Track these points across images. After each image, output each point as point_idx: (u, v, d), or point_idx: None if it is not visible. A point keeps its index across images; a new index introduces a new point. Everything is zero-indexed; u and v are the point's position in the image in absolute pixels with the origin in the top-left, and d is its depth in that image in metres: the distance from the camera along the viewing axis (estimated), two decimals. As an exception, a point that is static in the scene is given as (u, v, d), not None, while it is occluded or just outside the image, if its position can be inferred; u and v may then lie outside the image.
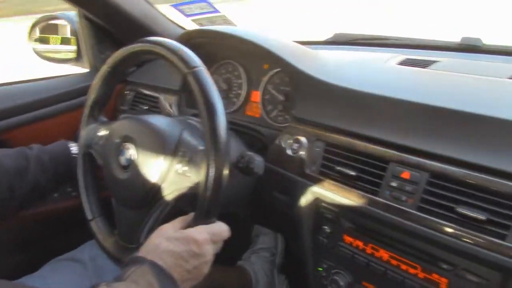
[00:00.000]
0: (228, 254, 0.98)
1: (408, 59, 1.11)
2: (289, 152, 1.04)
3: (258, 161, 0.99)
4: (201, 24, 1.47)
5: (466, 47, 1.17)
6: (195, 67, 0.84)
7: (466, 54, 1.15)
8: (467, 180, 0.78)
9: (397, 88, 0.95)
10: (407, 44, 1.30)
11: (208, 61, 1.34)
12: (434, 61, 1.07)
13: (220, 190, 0.81)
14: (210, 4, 1.38)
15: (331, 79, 1.01)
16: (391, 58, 1.12)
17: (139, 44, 0.96)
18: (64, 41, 1.68)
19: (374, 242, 0.92)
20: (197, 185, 0.86)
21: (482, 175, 0.77)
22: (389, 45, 1.33)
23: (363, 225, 0.92)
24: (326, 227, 0.98)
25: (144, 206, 0.93)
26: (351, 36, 1.42)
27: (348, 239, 0.95)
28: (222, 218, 0.86)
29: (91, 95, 1.05)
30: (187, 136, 0.94)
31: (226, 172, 0.81)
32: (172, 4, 1.40)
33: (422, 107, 0.87)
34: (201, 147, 0.88)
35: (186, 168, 0.89)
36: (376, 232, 0.90)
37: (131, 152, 0.96)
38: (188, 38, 1.27)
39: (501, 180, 0.75)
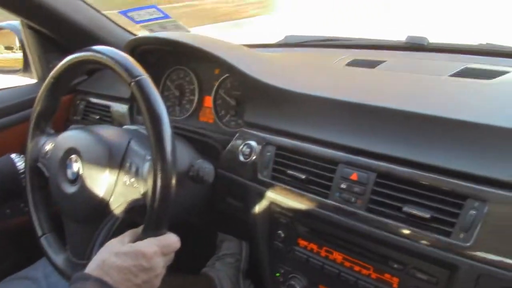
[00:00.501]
0: (193, 262, 0.97)
1: (356, 59, 1.12)
2: (241, 157, 1.04)
3: (208, 169, 0.98)
4: (151, 30, 1.45)
5: (412, 46, 1.19)
6: (138, 76, 0.83)
7: (412, 53, 1.18)
8: (413, 179, 0.79)
9: (344, 90, 0.96)
10: (356, 44, 1.32)
11: (159, 67, 1.32)
12: (381, 61, 1.08)
13: (168, 201, 0.79)
14: (159, 10, 1.36)
15: (279, 83, 1.01)
16: (340, 60, 1.13)
17: (82, 54, 0.93)
18: (11, 50, 1.62)
19: (328, 244, 0.92)
20: (145, 196, 0.85)
21: (427, 174, 0.78)
22: (338, 46, 1.34)
23: (316, 228, 0.93)
24: (280, 231, 0.98)
25: (93, 220, 0.90)
26: (302, 38, 1.42)
27: (302, 243, 0.95)
28: (181, 227, 0.85)
29: (37, 107, 1.02)
30: (135, 146, 0.92)
31: (173, 182, 0.79)
32: (119, 11, 1.37)
33: (368, 108, 0.88)
34: (148, 157, 0.87)
35: (133, 179, 0.88)
36: (329, 234, 0.91)
37: (78, 165, 0.93)
38: (136, 45, 1.25)
39: (444, 178, 0.76)
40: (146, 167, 0.87)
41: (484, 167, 0.74)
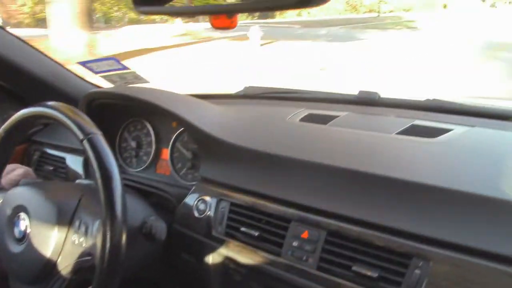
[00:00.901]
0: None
1: (311, 114, 1.15)
2: (195, 213, 1.03)
3: (160, 227, 0.97)
4: (112, 80, 1.45)
5: (364, 100, 1.23)
6: (90, 133, 0.83)
7: (364, 107, 1.22)
8: (361, 238, 0.81)
9: (296, 147, 0.98)
10: (312, 98, 1.35)
11: (116, 119, 1.32)
12: (334, 116, 1.11)
13: (118, 262, 0.78)
14: (118, 62, 1.36)
15: (233, 139, 1.02)
16: (294, 114, 1.16)
17: (35, 109, 0.93)
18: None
19: None
20: (94, 256, 0.83)
21: (374, 233, 0.80)
22: (295, 98, 1.38)
23: (270, 286, 0.92)
24: None
25: (40, 281, 0.88)
26: (261, 90, 1.45)
27: None
28: (133, 282, 0.83)
29: None
30: (86, 203, 0.91)
31: (123, 242, 0.79)
32: (79, 61, 1.37)
33: (318, 166, 0.90)
34: (98, 215, 0.85)
35: (82, 238, 0.86)
36: None
37: (25, 223, 0.91)
38: (92, 99, 1.25)
39: (390, 237, 0.78)
40: (96, 225, 0.86)
41: (427, 227, 0.76)
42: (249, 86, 1.51)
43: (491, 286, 0.69)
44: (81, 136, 0.83)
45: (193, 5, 0.58)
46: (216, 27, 0.53)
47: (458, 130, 0.97)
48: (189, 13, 0.62)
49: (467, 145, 0.92)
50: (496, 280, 0.69)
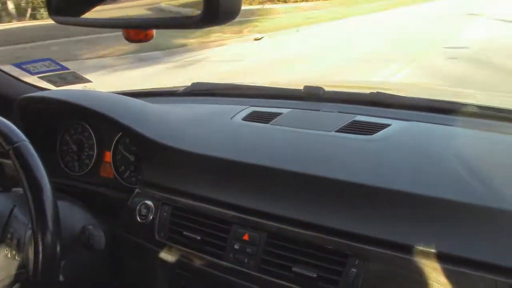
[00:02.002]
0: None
1: (254, 112, 1.14)
2: (138, 217, 1.01)
3: (98, 237, 0.95)
4: (51, 81, 1.39)
5: (308, 95, 1.24)
6: (16, 142, 0.80)
7: (308, 103, 1.22)
8: (301, 239, 0.81)
9: (238, 149, 0.97)
10: (258, 94, 1.35)
11: (56, 122, 1.27)
12: (277, 114, 1.11)
13: (51, 274, 0.76)
14: (55, 62, 1.31)
15: (174, 142, 1.00)
16: (238, 113, 1.15)
17: None
18: None
19: None
20: (27, 269, 0.80)
21: (314, 233, 0.80)
22: (242, 95, 1.36)
23: None
24: None
25: None
26: (208, 86, 1.43)
27: None
28: None
29: None
30: (19, 214, 0.88)
31: (56, 253, 0.77)
32: (13, 63, 1.31)
33: (258, 168, 0.90)
34: (30, 227, 0.83)
35: (14, 251, 0.84)
36: None
37: None
38: (27, 104, 1.20)
39: (328, 237, 0.79)
40: (28, 238, 0.83)
41: (362, 225, 0.77)
42: (196, 83, 1.48)
43: (423, 282, 0.71)
44: (7, 146, 0.80)
45: (107, 18, 0.57)
46: (130, 39, 0.51)
47: (396, 125, 0.99)
48: (103, 26, 0.61)
49: (404, 142, 0.93)
50: (427, 276, 0.71)
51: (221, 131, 1.08)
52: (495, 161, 0.84)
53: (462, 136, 0.96)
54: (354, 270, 0.75)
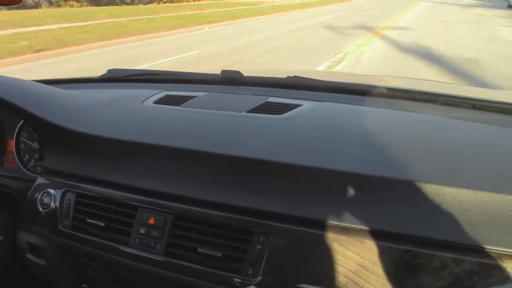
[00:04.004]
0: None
1: (167, 95, 1.11)
2: (40, 207, 0.95)
3: None
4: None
5: (226, 80, 1.22)
6: None
7: (225, 87, 1.20)
8: (207, 219, 0.80)
9: (146, 131, 0.93)
10: (174, 79, 1.31)
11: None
12: (190, 97, 1.08)
13: None
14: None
15: (77, 126, 0.95)
16: (151, 96, 1.11)
17: None
18: None
19: None
20: None
21: (220, 213, 0.79)
22: (159, 80, 1.32)
23: (122, 277, 0.88)
24: (85, 285, 0.91)
25: None
26: (124, 72, 1.38)
27: None
28: None
29: None
30: None
31: None
32: None
33: (164, 149, 0.87)
34: None
35: None
36: (136, 283, 0.87)
37: None
38: None
39: (234, 216, 0.78)
40: None
41: (268, 202, 0.77)
42: (113, 69, 1.42)
43: (326, 255, 0.72)
44: None
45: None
46: None
47: (307, 105, 1.00)
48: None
49: (312, 120, 0.94)
50: (330, 248, 0.71)
51: (130, 114, 1.03)
52: (399, 135, 0.87)
53: (370, 114, 0.99)
54: (259, 247, 0.75)
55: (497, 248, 0.65)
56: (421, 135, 0.86)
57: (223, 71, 1.25)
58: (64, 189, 0.93)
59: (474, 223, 0.65)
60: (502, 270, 0.65)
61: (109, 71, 1.42)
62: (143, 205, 0.85)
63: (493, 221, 0.65)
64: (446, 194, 0.67)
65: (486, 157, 0.75)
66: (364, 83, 1.33)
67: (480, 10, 20.29)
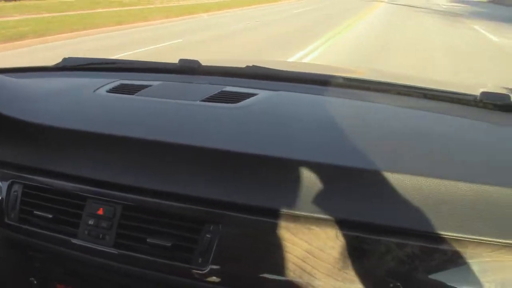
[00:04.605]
0: None
1: (121, 84, 1.09)
2: None
3: None
4: None
5: (184, 69, 1.20)
6: None
7: (182, 76, 1.19)
8: (156, 209, 0.79)
9: (95, 120, 0.91)
10: (132, 67, 1.29)
11: None
12: (145, 86, 1.06)
13: None
14: None
15: (25, 115, 0.91)
16: (105, 85, 1.08)
17: None
18: None
19: (86, 285, 0.86)
20: None
21: (169, 202, 0.78)
22: (115, 69, 1.29)
23: (72, 269, 0.86)
24: (33, 278, 0.89)
25: None
26: (80, 61, 1.34)
27: (60, 287, 0.88)
28: None
29: None
30: None
31: None
32: None
33: (115, 139, 0.85)
34: None
35: None
36: (86, 275, 0.85)
37: None
38: None
39: (184, 205, 0.77)
40: None
41: (220, 191, 0.76)
42: (68, 58, 1.38)
43: (275, 241, 0.72)
44: None
45: None
46: None
47: (262, 94, 0.99)
48: None
49: (267, 109, 0.94)
50: (280, 236, 0.72)
51: (81, 103, 1.01)
52: (351, 124, 0.88)
53: (324, 103, 0.99)
54: (209, 236, 0.74)
55: (440, 232, 0.66)
56: (372, 124, 0.87)
57: (181, 60, 1.23)
58: (11, 180, 0.90)
59: (417, 208, 0.67)
60: (444, 254, 0.66)
61: (64, 59, 1.38)
62: (92, 196, 0.83)
63: (436, 205, 0.66)
64: (390, 180, 0.68)
65: (429, 144, 0.77)
66: (323, 73, 1.34)
67: (478, 27, 11.61)
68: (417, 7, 19.81)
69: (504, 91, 1.36)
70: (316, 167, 0.73)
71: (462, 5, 23.31)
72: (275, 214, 0.72)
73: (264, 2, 20.66)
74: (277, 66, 1.22)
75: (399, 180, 0.68)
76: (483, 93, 0.95)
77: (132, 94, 1.01)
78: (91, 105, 0.99)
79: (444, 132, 0.84)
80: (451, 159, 0.72)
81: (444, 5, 22.19)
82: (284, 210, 0.72)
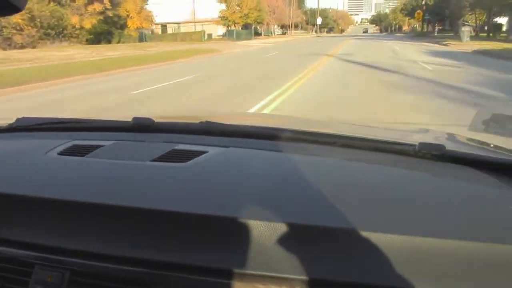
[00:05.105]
0: None
1: (73, 145, 1.09)
2: None
3: None
4: None
5: (137, 127, 1.22)
6: None
7: (136, 134, 1.20)
8: (105, 273, 0.78)
9: (42, 185, 0.91)
10: (86, 127, 1.29)
11: None
12: (98, 146, 1.07)
13: None
14: None
15: None
16: (57, 147, 1.09)
17: None
18: None
19: None
20: None
21: (117, 266, 0.78)
22: (69, 128, 1.30)
23: None
24: None
25: None
26: (33, 121, 1.34)
27: None
28: None
29: None
30: None
31: None
32: None
33: (61, 203, 0.85)
34: None
35: None
36: None
37: None
38: None
39: (132, 268, 0.77)
40: None
41: (167, 253, 0.77)
42: (21, 118, 1.38)
43: None
44: None
45: None
46: None
47: (212, 151, 1.02)
48: None
49: (215, 167, 0.96)
50: None
51: (31, 167, 1.00)
52: (295, 179, 0.91)
53: (271, 159, 1.03)
54: None
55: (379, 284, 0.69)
56: (318, 179, 0.91)
57: (135, 118, 1.25)
58: None
59: (361, 261, 0.69)
60: None
61: (18, 120, 1.37)
62: (40, 262, 0.81)
63: (376, 258, 0.69)
64: (335, 235, 0.71)
65: (370, 196, 0.81)
66: (279, 126, 1.38)
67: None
68: (384, 70, 11.71)
69: (445, 136, 1.44)
70: (256, 225, 0.75)
71: (454, 61, 14.43)
72: (222, 274, 0.73)
73: (169, 59, 18.01)
74: (233, 119, 1.26)
75: (343, 234, 0.71)
76: (421, 144, 1.01)
77: (83, 156, 1.02)
78: (41, 169, 0.99)
79: (386, 184, 0.88)
80: (391, 211, 0.76)
81: (431, 65, 13.11)
82: (233, 269, 0.73)
